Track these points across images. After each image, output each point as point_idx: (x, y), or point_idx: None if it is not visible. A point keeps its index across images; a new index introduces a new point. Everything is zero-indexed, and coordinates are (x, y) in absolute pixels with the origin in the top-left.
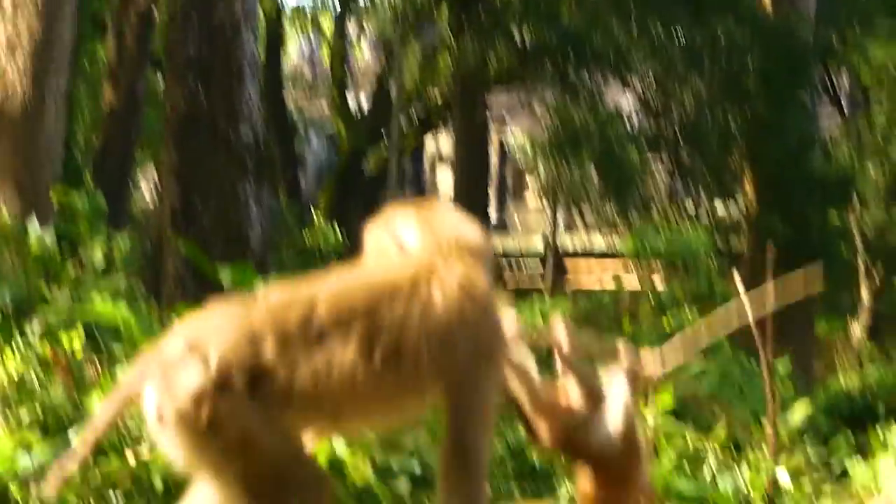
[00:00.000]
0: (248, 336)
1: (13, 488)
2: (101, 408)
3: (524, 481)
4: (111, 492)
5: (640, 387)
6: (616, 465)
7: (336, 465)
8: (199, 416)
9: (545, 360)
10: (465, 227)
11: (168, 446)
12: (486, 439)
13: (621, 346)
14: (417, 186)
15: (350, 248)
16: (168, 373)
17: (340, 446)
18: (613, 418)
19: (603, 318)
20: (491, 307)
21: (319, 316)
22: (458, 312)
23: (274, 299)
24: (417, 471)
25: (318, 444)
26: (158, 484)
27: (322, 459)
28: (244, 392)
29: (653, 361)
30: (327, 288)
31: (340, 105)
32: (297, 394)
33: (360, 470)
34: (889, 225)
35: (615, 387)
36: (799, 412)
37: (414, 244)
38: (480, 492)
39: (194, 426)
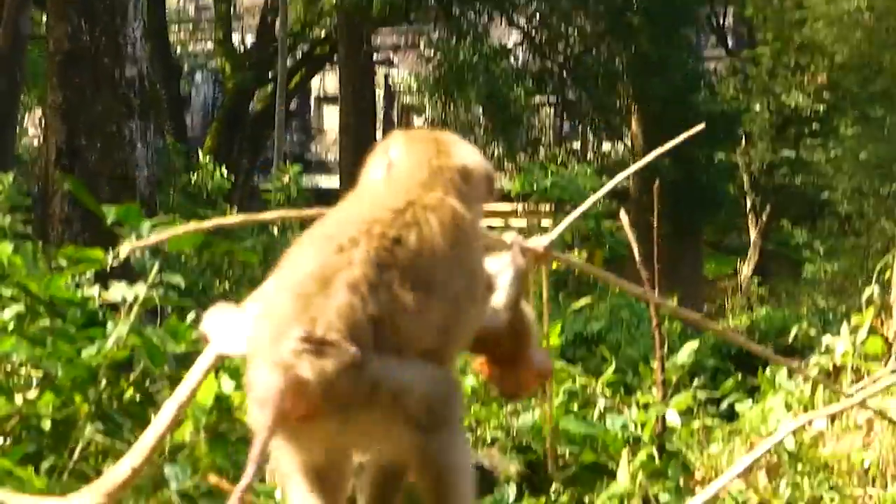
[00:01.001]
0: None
1: None
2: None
3: None
4: None
5: (528, 262)
6: (505, 343)
7: (223, 403)
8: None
9: None
10: (459, 157)
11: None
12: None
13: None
14: (303, 126)
15: (235, 188)
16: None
17: (227, 384)
18: (498, 296)
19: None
20: (467, 237)
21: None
22: (457, 242)
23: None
24: None
25: (206, 384)
26: (47, 425)
27: (209, 398)
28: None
29: (539, 239)
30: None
31: (225, 44)
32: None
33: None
34: (776, 163)
35: (501, 266)
36: (687, 353)
37: (403, 172)
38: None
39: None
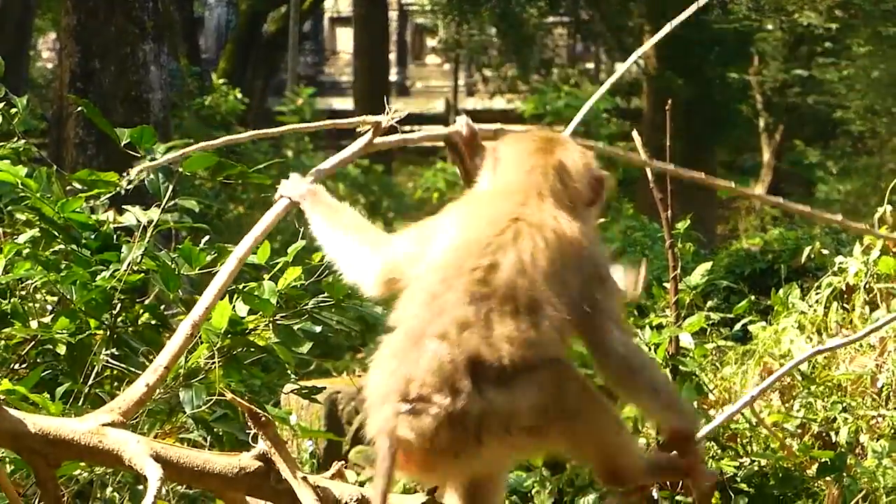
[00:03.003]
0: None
1: None
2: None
3: None
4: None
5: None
6: None
7: (238, 327)
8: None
9: None
10: (561, 159)
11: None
12: (632, 338)
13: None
14: (317, 47)
15: (249, 111)
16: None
17: (242, 308)
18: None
19: None
20: (582, 241)
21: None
22: (559, 254)
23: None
24: (317, 329)
25: (220, 307)
26: (62, 350)
27: (223, 321)
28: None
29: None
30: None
31: None
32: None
33: (262, 332)
34: (789, 82)
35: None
36: (700, 273)
37: (506, 177)
38: (660, 377)
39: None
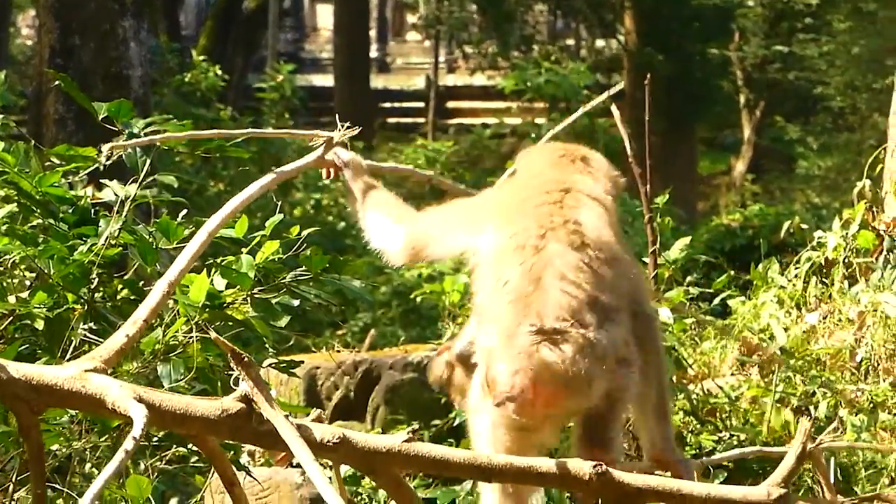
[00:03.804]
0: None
1: None
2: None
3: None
4: None
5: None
6: None
7: (215, 301)
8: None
9: None
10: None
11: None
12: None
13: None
14: (297, 24)
15: (229, 88)
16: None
17: (220, 282)
18: None
19: (486, 157)
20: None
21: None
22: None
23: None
24: (295, 303)
25: (197, 280)
26: (40, 325)
27: (200, 295)
28: None
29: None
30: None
31: None
32: None
33: (240, 306)
34: (769, 58)
35: None
36: (679, 248)
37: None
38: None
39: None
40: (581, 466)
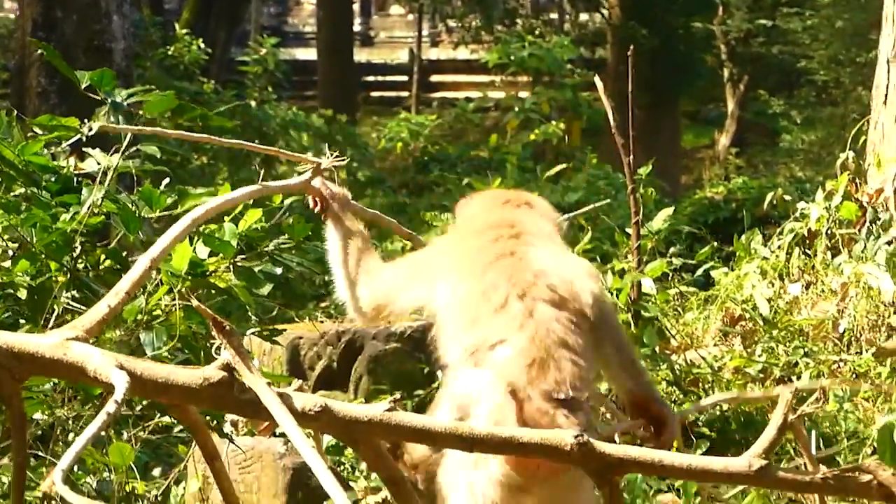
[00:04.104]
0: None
1: None
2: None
3: None
4: None
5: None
6: None
7: (198, 269)
8: None
9: None
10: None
11: None
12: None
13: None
14: None
15: (212, 61)
16: None
17: (202, 250)
18: None
19: (470, 131)
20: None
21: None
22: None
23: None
24: (278, 271)
25: (180, 249)
26: (23, 294)
27: (183, 263)
28: None
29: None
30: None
31: None
32: None
33: (223, 274)
34: (753, 32)
35: None
36: (662, 218)
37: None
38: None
39: None
40: (562, 437)
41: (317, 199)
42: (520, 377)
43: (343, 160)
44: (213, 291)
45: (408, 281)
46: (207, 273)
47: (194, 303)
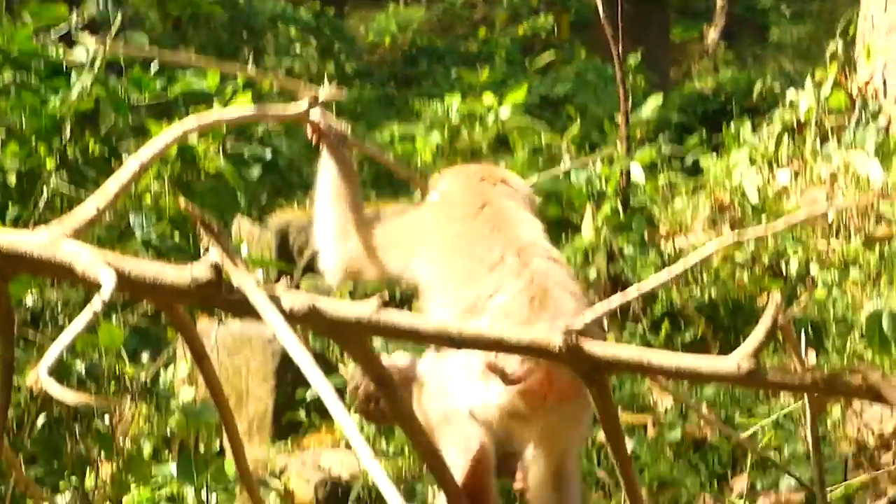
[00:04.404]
0: None
1: None
2: None
3: (381, 186)
4: None
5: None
6: None
7: (188, 154)
8: None
9: None
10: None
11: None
12: None
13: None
14: None
15: None
16: None
17: (193, 139)
18: None
19: (458, 25)
20: None
21: None
22: None
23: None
24: (268, 157)
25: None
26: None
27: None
28: None
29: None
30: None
31: None
32: None
33: (212, 158)
34: None
35: None
36: (651, 107)
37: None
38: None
39: None
40: (551, 337)
41: (315, 131)
42: (521, 313)
43: (342, 93)
44: (202, 175)
45: (387, 249)
46: (196, 157)
47: (182, 202)
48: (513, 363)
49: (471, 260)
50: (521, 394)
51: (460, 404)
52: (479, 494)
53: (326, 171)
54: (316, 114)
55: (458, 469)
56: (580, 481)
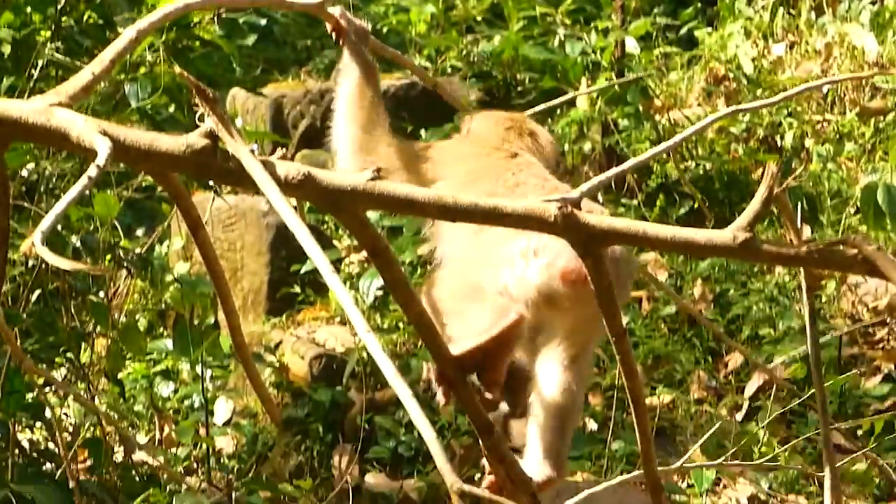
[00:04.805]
0: None
1: None
2: None
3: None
4: None
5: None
6: None
7: (181, 20)
8: None
9: None
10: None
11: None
12: None
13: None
14: None
15: None
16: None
17: None
18: None
19: None
20: None
21: None
22: None
23: None
24: (262, 23)
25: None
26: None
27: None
28: None
29: None
30: None
31: None
32: None
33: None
34: None
35: None
36: None
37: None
38: None
39: None
40: (546, 207)
41: (335, 28)
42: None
43: None
44: (197, 43)
45: (409, 170)
46: (192, 25)
47: (177, 69)
48: (554, 247)
49: (493, 185)
50: (561, 275)
51: (495, 280)
52: (494, 361)
53: (348, 72)
54: (337, 10)
55: (487, 332)
56: (591, 367)
